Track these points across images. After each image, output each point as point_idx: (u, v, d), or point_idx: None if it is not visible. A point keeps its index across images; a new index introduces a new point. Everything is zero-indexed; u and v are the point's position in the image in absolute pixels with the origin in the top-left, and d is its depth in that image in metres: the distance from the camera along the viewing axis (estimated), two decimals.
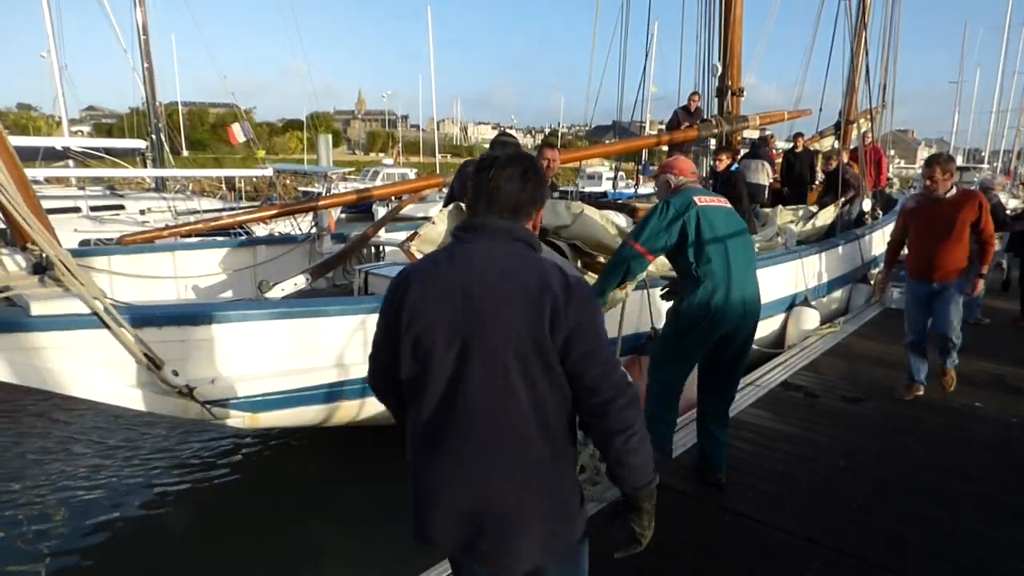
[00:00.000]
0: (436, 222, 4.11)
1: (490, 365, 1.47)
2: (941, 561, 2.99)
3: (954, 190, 4.77)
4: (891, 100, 12.66)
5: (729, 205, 3.49)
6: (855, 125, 11.09)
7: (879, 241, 9.42)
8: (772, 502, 3.49)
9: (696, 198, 3.30)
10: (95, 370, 3.33)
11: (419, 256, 4.04)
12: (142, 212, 11.83)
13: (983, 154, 42.21)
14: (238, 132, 18.58)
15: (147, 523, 4.35)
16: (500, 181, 1.58)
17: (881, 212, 10.61)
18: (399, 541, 3.92)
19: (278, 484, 4.82)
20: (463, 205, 4.03)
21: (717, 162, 6.95)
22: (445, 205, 4.34)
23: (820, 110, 10.60)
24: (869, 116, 11.29)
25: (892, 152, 12.66)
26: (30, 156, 12.97)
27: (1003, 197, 21.88)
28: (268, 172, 14.18)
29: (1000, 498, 3.58)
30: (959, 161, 41.20)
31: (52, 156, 13.65)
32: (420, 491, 1.57)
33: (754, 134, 10.17)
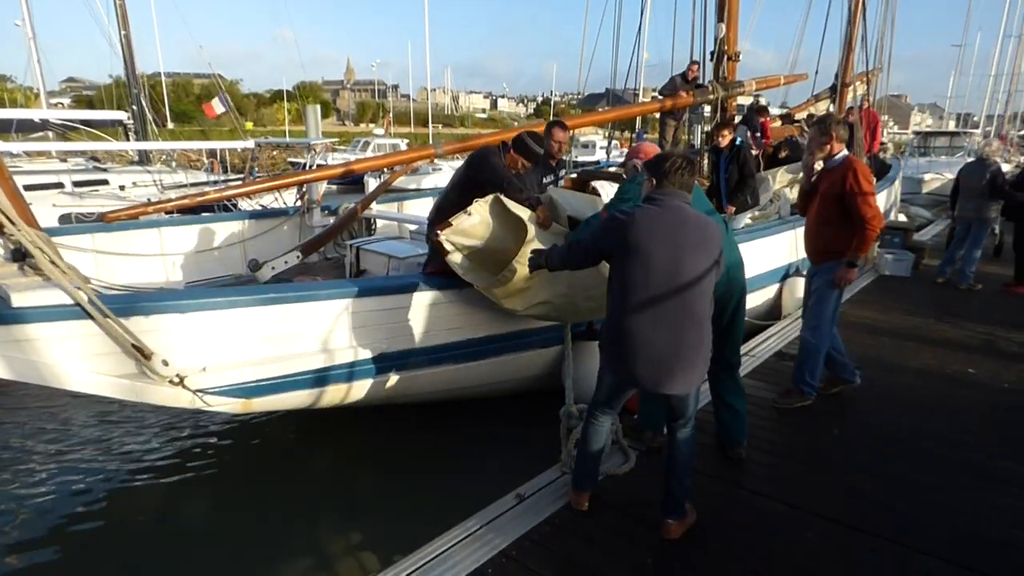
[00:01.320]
0: (472, 213, 3.93)
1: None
2: (934, 527, 3.01)
3: (839, 157, 3.98)
4: (887, 63, 12.49)
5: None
6: (851, 88, 10.97)
7: None
8: (767, 472, 3.51)
9: None
10: (82, 361, 3.24)
11: (449, 247, 3.87)
12: (121, 188, 11.60)
13: (976, 119, 41.96)
14: (216, 105, 18.24)
15: (120, 516, 4.25)
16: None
17: (875, 178, 10.54)
18: (378, 534, 3.96)
19: (256, 475, 4.78)
20: (503, 198, 3.92)
21: (720, 138, 6.81)
22: (468, 192, 4.09)
23: (816, 73, 10.47)
24: (865, 79, 11.16)
25: (886, 117, 12.55)
26: (3, 128, 12.69)
27: (999, 160, 21.85)
28: (249, 144, 13.92)
29: (991, 463, 3.61)
30: (951, 126, 41.12)
31: (29, 128, 13.32)
32: (628, 344, 2.61)
33: (748, 100, 10.03)
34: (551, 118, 7.23)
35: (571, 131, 6.31)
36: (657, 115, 9.69)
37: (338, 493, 4.40)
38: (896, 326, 6.17)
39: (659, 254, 2.54)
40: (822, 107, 11.29)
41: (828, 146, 3.97)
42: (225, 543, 3.91)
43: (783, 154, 9.58)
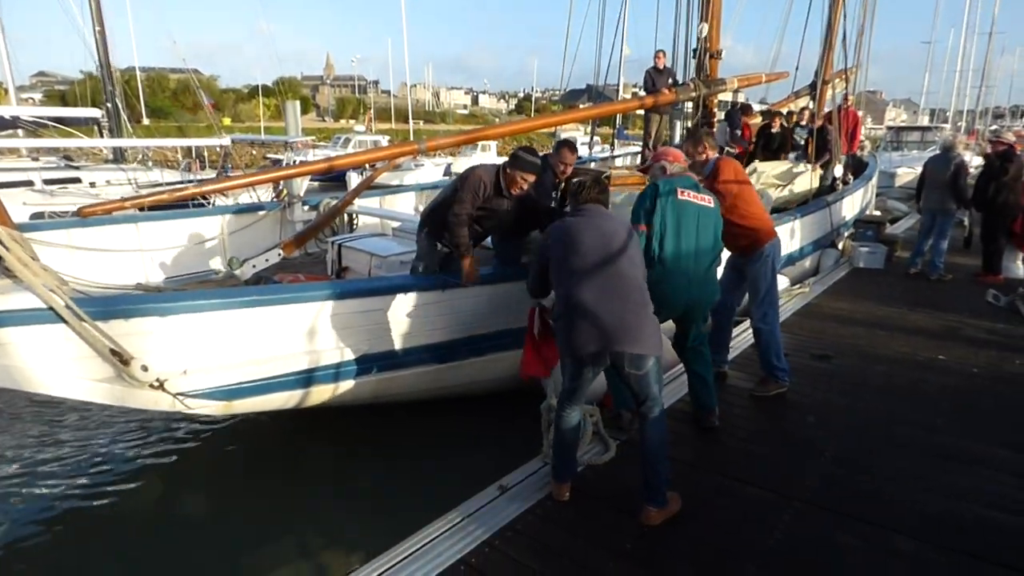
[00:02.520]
0: None
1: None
2: (907, 508, 3.10)
3: (711, 162, 4.32)
4: (866, 60, 12.69)
5: (711, 204, 3.71)
6: (830, 85, 11.14)
7: (848, 207, 9.57)
8: (745, 459, 3.58)
9: (680, 189, 3.60)
10: (58, 366, 3.16)
11: None
12: (92, 185, 11.39)
13: (948, 114, 42.73)
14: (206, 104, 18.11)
15: (104, 512, 4.23)
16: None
17: (852, 176, 10.76)
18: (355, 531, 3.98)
19: (238, 470, 4.77)
20: None
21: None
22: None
23: (796, 70, 10.61)
24: (844, 76, 11.33)
25: (862, 112, 12.76)
26: None
27: (967, 156, 22.30)
28: (225, 141, 13.73)
29: (961, 446, 3.72)
30: (925, 121, 41.85)
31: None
32: (580, 319, 2.87)
33: (729, 98, 10.15)
34: (532, 114, 7.25)
35: (554, 128, 6.32)
36: (640, 111, 9.78)
37: (319, 487, 4.41)
38: (869, 316, 6.30)
39: (588, 243, 2.98)
40: (802, 103, 11.45)
41: (704, 155, 4.36)
42: (208, 538, 3.90)
43: (776, 146, 9.76)
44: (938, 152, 8.14)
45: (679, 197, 3.59)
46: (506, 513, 3.07)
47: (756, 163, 9.17)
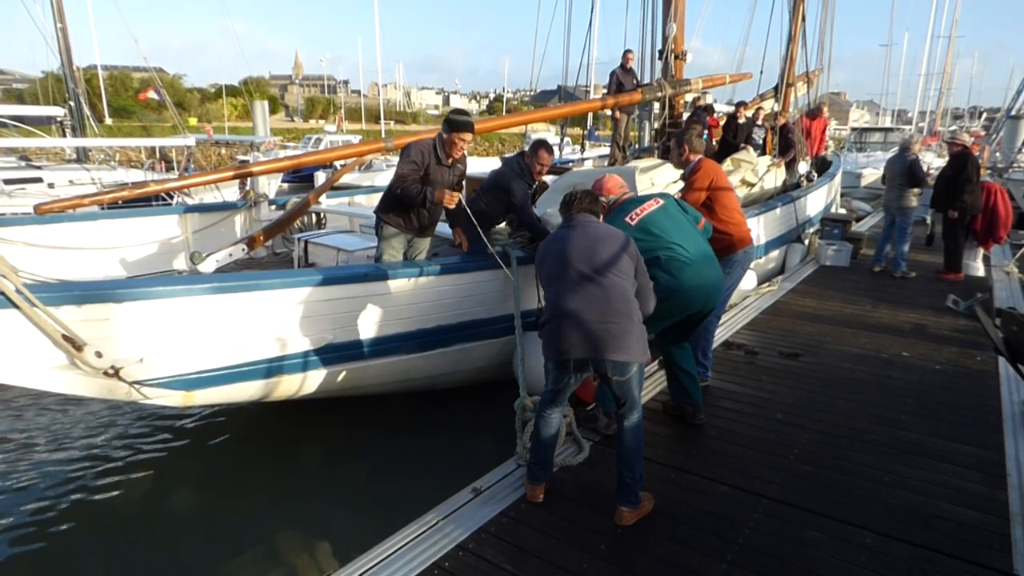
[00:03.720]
0: None
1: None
2: (870, 503, 3.16)
3: (693, 163, 4.53)
4: (828, 63, 12.96)
5: (663, 201, 3.79)
6: (794, 88, 11.37)
7: (813, 203, 9.75)
8: (714, 457, 3.61)
9: (629, 217, 3.65)
10: (10, 352, 3.10)
11: None
12: (51, 185, 11.05)
13: (910, 115, 43.91)
14: (152, 94, 17.74)
15: (85, 510, 4.16)
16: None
17: (816, 174, 10.97)
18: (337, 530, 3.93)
19: (204, 473, 4.68)
20: None
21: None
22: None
23: (761, 72, 10.79)
24: (807, 79, 11.57)
25: (827, 114, 13.08)
26: None
27: (930, 156, 22.92)
28: (189, 141, 13.45)
29: (925, 441, 3.80)
30: (887, 122, 43.01)
31: None
32: (564, 325, 2.90)
33: (706, 98, 10.28)
34: (503, 114, 7.24)
35: (525, 127, 6.36)
36: (608, 112, 9.83)
37: (290, 491, 4.32)
38: (835, 313, 6.43)
39: (574, 253, 3.00)
40: (767, 105, 11.65)
41: (685, 156, 4.50)
42: (177, 539, 3.81)
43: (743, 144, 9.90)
44: (895, 152, 8.35)
45: (634, 222, 3.65)
46: (480, 516, 3.05)
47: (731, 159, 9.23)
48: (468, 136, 4.35)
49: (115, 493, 4.29)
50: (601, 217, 3.42)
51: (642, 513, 3.02)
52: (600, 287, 2.91)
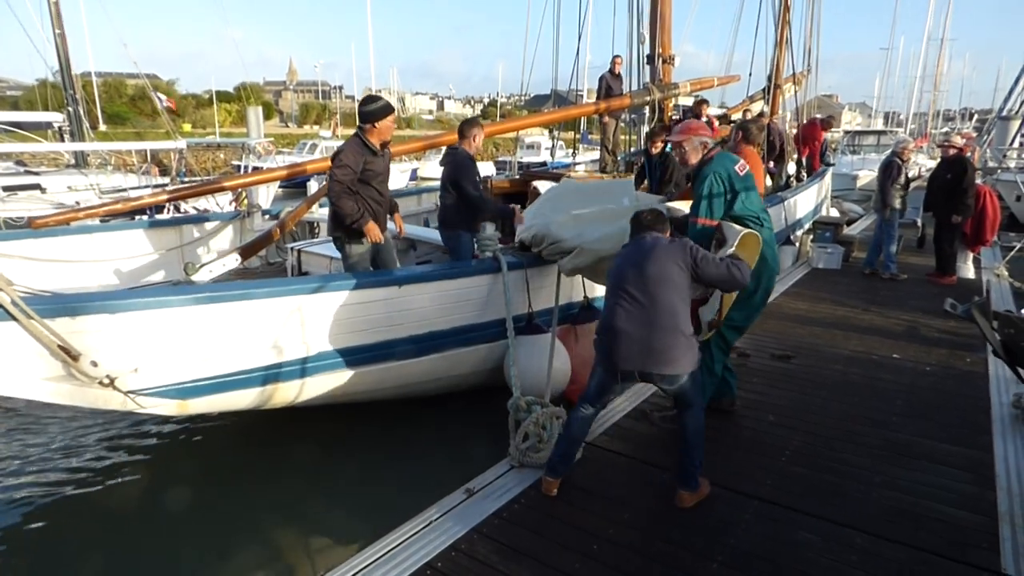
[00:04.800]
0: None
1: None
2: (861, 504, 3.19)
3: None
4: (816, 65, 13.09)
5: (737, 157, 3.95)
6: (784, 89, 11.49)
7: (803, 204, 9.82)
8: (709, 460, 3.58)
9: (739, 166, 3.82)
10: (7, 364, 3.13)
11: None
12: (43, 190, 11.05)
13: (902, 117, 44.21)
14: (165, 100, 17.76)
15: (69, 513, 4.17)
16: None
17: (805, 175, 11.06)
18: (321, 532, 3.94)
19: (201, 473, 4.67)
20: None
21: (652, 146, 6.96)
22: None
23: (750, 75, 10.89)
24: (794, 80, 11.68)
25: (819, 115, 13.23)
26: None
27: (922, 158, 23.07)
28: (181, 145, 13.47)
29: (915, 442, 3.84)
30: (879, 124, 43.32)
31: None
32: (614, 338, 3.07)
33: (688, 100, 10.33)
34: (497, 119, 7.32)
35: (517, 132, 6.44)
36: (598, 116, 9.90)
37: (283, 491, 4.32)
38: (827, 316, 6.47)
39: (631, 270, 3.13)
40: (756, 108, 11.74)
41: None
42: (168, 538, 3.83)
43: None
44: (887, 156, 8.42)
45: (744, 172, 3.81)
46: (473, 516, 3.07)
47: None
48: (391, 118, 4.60)
49: (109, 492, 4.31)
50: (693, 156, 3.84)
51: (700, 496, 3.19)
52: (647, 304, 3.03)
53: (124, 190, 11.63)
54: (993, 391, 4.60)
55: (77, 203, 9.58)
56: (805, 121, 12.51)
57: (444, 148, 5.61)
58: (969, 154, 8.62)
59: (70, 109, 14.56)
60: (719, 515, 3.10)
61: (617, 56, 9.52)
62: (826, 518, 3.07)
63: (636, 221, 3.38)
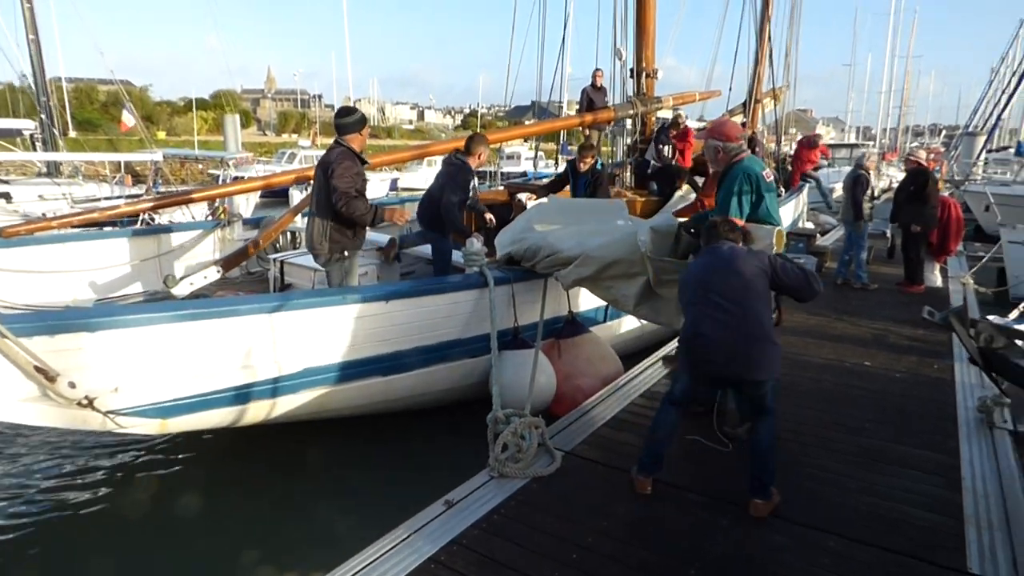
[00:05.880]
0: None
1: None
2: (836, 508, 3.26)
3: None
4: (794, 80, 13.41)
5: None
6: (762, 104, 11.75)
7: (783, 217, 10.00)
8: (682, 466, 3.68)
9: (766, 172, 3.99)
10: None
11: None
12: (8, 199, 10.82)
13: (873, 132, 45.28)
14: (127, 119, 17.47)
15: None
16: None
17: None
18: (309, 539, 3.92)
19: (168, 490, 4.63)
20: None
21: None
22: None
23: (730, 90, 11.12)
24: (774, 95, 11.95)
25: (794, 129, 13.52)
26: None
27: (892, 170, 23.65)
28: (156, 156, 13.31)
29: (886, 447, 3.93)
30: (852, 138, 44.32)
31: None
32: (704, 346, 3.16)
33: (669, 114, 10.52)
34: (478, 130, 7.39)
35: (499, 143, 6.55)
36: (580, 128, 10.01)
37: (257, 506, 4.29)
38: (799, 325, 6.59)
39: (712, 281, 3.22)
40: (736, 121, 11.98)
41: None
42: (148, 547, 3.81)
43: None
44: (851, 168, 8.65)
45: (771, 179, 3.99)
46: (453, 528, 3.06)
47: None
48: (361, 133, 4.68)
49: (97, 496, 4.30)
50: (722, 155, 3.97)
51: (773, 505, 3.22)
52: (736, 312, 3.11)
53: (97, 200, 11.45)
54: (959, 396, 4.73)
55: (44, 214, 9.41)
56: (801, 138, 12.87)
57: (430, 158, 5.79)
58: (937, 168, 8.88)
59: (43, 116, 14.31)
60: (697, 521, 3.15)
61: (598, 69, 9.65)
62: (801, 523, 3.13)
63: (712, 230, 3.46)
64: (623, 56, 8.42)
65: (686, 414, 4.15)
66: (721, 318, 3.12)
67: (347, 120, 4.59)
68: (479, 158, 5.67)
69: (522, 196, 7.81)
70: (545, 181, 9.03)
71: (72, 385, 3.16)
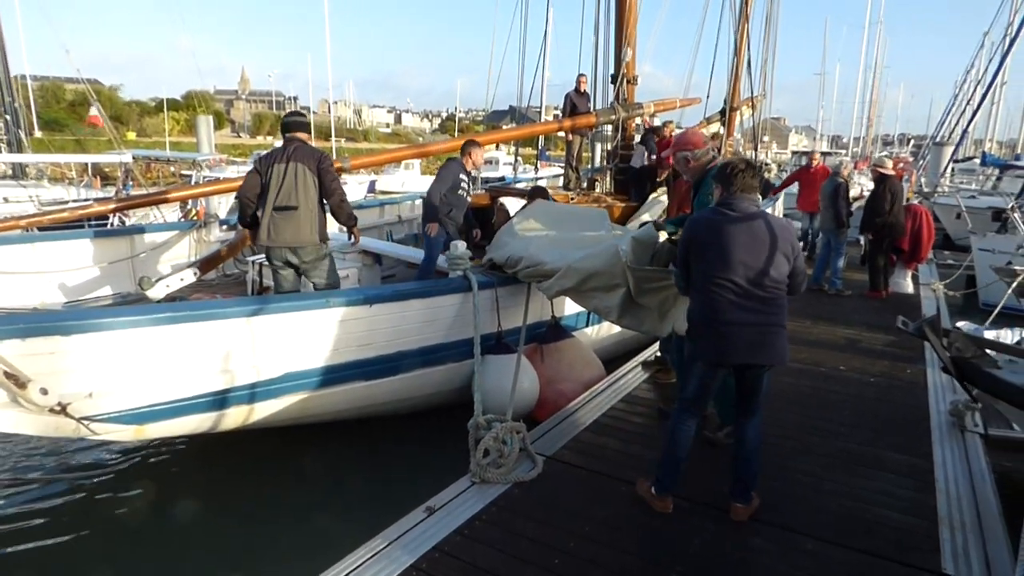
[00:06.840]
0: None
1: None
2: (814, 511, 3.30)
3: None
4: (770, 89, 13.63)
5: None
6: (739, 112, 11.90)
7: None
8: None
9: None
10: None
11: None
12: None
13: (844, 140, 46.29)
14: (95, 112, 17.12)
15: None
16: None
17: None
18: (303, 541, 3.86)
19: (146, 500, 4.53)
20: None
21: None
22: None
23: (707, 97, 11.26)
24: (751, 104, 12.12)
25: (767, 138, 13.79)
26: None
27: (863, 179, 24.17)
28: (125, 158, 13.04)
29: (862, 450, 4.00)
30: (823, 146, 45.31)
31: None
32: (722, 327, 2.93)
33: (654, 120, 10.62)
34: (455, 134, 7.44)
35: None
36: (562, 133, 10.07)
37: (232, 516, 4.21)
38: None
39: (741, 256, 2.90)
40: (712, 128, 12.12)
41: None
42: (132, 552, 3.76)
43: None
44: (829, 176, 8.81)
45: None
46: (434, 535, 3.03)
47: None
48: (305, 138, 4.80)
49: (75, 500, 4.23)
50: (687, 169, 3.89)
51: (752, 510, 3.19)
52: (762, 299, 2.92)
53: (65, 202, 11.16)
54: (931, 400, 4.84)
55: (15, 217, 9.13)
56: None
57: (408, 161, 5.83)
58: (906, 177, 9.08)
59: (8, 118, 13.93)
60: (678, 525, 3.16)
61: (582, 75, 9.70)
62: (781, 525, 3.16)
63: (733, 177, 3.00)
64: (629, 56, 8.42)
65: (664, 415, 4.20)
66: (743, 303, 2.90)
67: (301, 119, 4.86)
68: (471, 158, 5.97)
69: (505, 200, 7.81)
70: (524, 185, 9.05)
71: (44, 391, 3.06)
